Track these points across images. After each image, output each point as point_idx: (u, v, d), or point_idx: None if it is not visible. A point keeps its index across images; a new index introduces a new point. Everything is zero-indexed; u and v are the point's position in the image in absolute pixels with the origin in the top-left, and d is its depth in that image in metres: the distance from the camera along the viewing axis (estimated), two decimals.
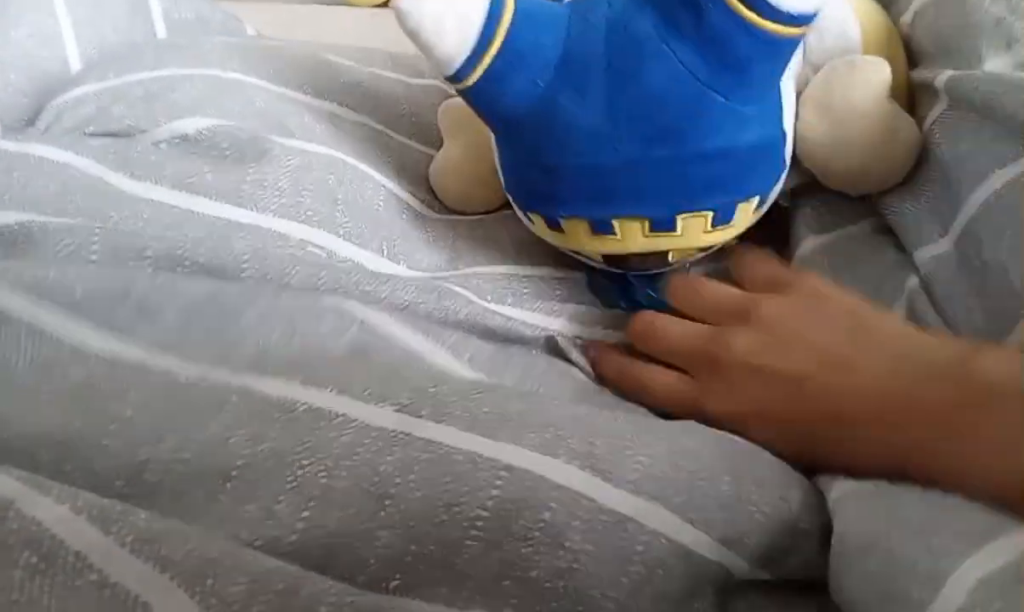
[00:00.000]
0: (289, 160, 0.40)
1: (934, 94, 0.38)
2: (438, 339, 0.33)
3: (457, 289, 0.36)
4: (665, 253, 0.36)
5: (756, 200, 0.36)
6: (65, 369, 0.28)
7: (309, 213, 0.39)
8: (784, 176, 0.37)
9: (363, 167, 0.44)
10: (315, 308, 0.32)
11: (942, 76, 0.37)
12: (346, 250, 0.39)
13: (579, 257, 0.39)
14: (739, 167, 0.34)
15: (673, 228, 0.35)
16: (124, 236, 0.33)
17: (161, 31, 0.55)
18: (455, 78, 0.34)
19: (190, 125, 0.41)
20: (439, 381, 0.29)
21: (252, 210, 0.38)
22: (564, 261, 0.42)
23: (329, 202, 0.40)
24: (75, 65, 0.51)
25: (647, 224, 0.35)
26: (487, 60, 0.33)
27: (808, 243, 0.41)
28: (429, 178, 0.46)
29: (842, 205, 0.41)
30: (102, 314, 0.29)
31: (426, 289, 0.35)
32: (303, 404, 0.27)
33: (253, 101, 0.44)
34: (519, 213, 0.40)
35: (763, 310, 0.33)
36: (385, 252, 0.40)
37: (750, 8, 0.31)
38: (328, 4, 0.82)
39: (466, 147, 0.44)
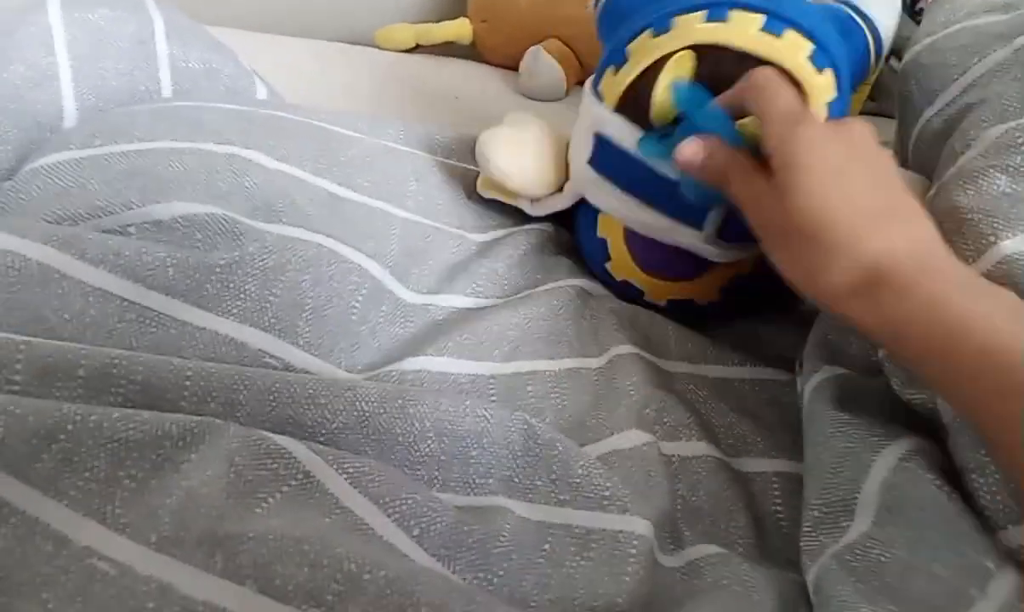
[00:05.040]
0: (263, 259, 0.37)
1: None
2: (388, 507, 0.29)
3: (422, 394, 0.34)
4: None
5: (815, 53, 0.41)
6: None
7: (272, 321, 0.36)
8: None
9: (351, 256, 0.40)
10: (258, 451, 0.29)
11: None
12: (304, 362, 0.36)
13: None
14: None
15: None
16: (52, 353, 0.30)
17: (166, 79, 0.52)
18: None
19: (165, 211, 0.37)
20: (375, 566, 0.25)
21: (212, 313, 0.35)
22: None
23: (295, 310, 0.36)
24: (69, 109, 0.48)
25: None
26: None
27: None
28: (476, 150, 0.48)
29: None
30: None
31: (390, 398, 0.33)
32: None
33: (243, 180, 0.41)
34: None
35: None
36: (343, 363, 0.37)
37: None
38: (355, 43, 0.80)
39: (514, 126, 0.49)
